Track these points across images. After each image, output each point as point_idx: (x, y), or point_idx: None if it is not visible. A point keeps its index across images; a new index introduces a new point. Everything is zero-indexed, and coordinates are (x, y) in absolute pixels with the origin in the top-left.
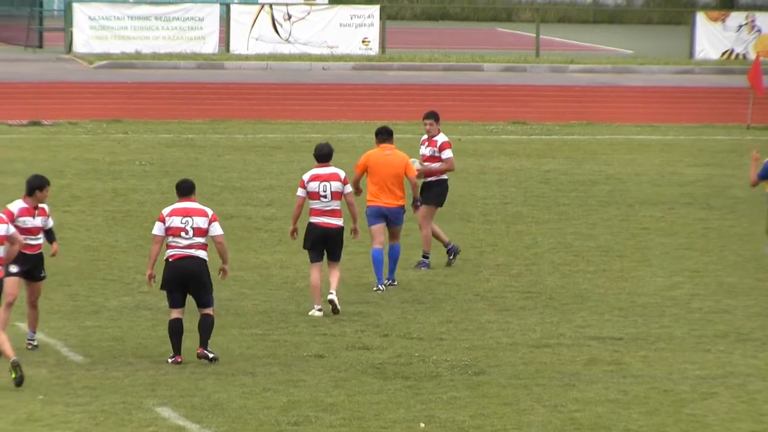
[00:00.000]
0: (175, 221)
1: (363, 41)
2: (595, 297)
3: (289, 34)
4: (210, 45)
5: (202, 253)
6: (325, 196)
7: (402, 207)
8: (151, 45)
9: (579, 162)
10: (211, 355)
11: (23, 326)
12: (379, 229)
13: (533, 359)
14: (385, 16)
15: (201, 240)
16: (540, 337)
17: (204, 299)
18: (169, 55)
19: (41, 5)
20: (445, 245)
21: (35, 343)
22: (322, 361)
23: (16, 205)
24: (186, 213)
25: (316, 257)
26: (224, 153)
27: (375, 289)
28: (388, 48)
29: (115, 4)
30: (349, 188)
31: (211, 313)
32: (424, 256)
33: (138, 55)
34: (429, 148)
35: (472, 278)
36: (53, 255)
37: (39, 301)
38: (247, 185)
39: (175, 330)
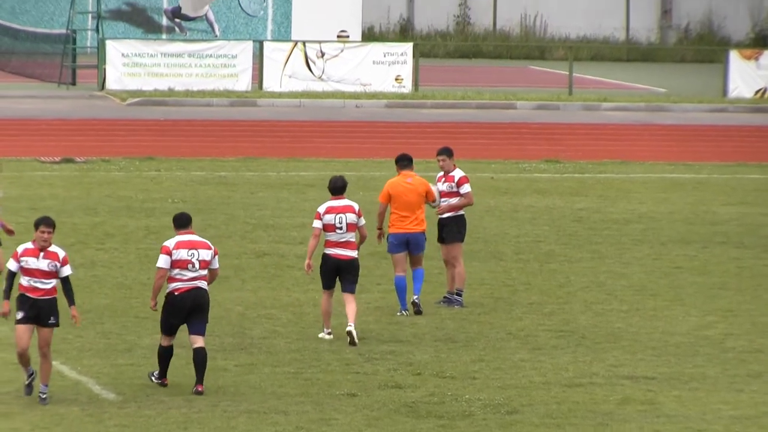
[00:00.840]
0: (182, 254)
1: (396, 79)
2: (628, 336)
3: (322, 72)
4: (243, 82)
5: (204, 284)
6: (340, 228)
7: (424, 233)
8: (184, 82)
9: (612, 200)
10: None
11: (62, 367)
12: (402, 257)
13: (566, 398)
14: (418, 54)
15: (204, 272)
16: (573, 377)
17: (202, 327)
18: (202, 93)
19: (74, 42)
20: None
21: (45, 397)
22: (355, 399)
23: (23, 246)
24: (192, 246)
25: (328, 284)
26: (257, 191)
27: (399, 313)
28: (421, 86)
29: (147, 41)
30: (363, 221)
31: (204, 345)
32: (457, 294)
33: (171, 92)
34: (446, 184)
35: (505, 317)
36: (75, 323)
37: (50, 351)
38: (280, 223)
39: (167, 355)
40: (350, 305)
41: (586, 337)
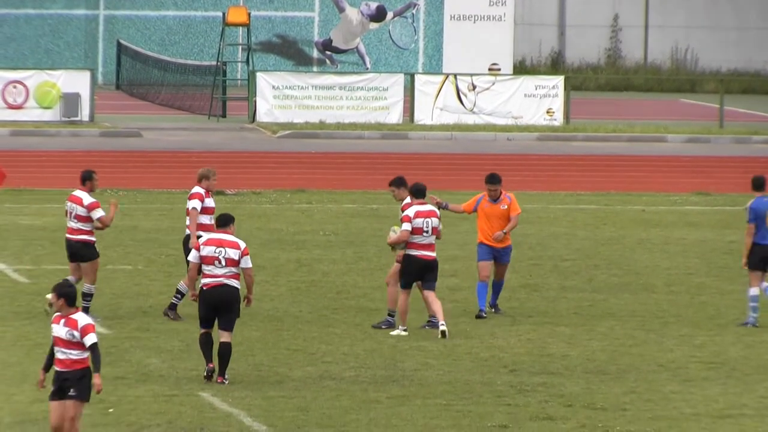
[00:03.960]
0: (209, 250)
1: (547, 111)
2: None
3: (474, 104)
4: (394, 115)
5: (233, 282)
6: (427, 232)
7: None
8: (335, 115)
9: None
10: (226, 382)
11: (213, 399)
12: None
13: (716, 429)
14: (570, 87)
15: (233, 270)
16: (723, 408)
17: (228, 323)
18: (354, 125)
19: (225, 74)
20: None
21: None
22: (507, 431)
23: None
24: (220, 244)
25: (408, 284)
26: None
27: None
28: (572, 118)
29: (298, 74)
30: (441, 225)
31: (230, 340)
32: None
33: (322, 124)
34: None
35: (656, 348)
36: (97, 391)
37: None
38: None
39: (206, 342)
40: (435, 303)
41: (737, 369)
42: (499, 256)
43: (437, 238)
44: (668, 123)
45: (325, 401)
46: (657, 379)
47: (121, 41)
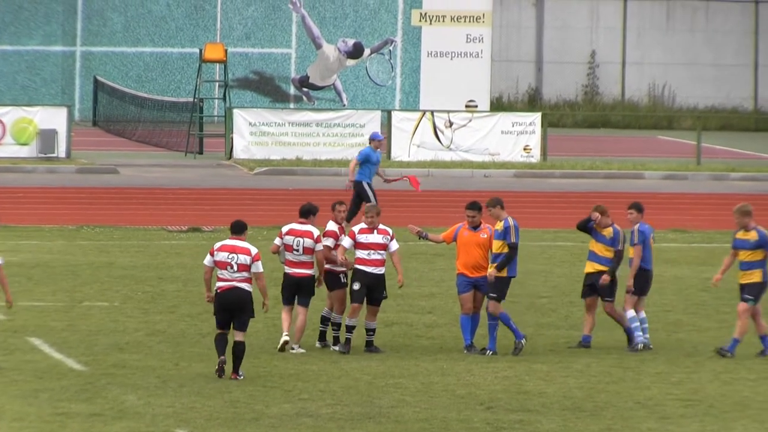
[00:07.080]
0: (222, 256)
1: (524, 148)
2: (756, 405)
3: (451, 141)
4: None
5: (245, 285)
6: (297, 250)
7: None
8: (312, 151)
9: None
10: (241, 377)
11: None
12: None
13: None
14: (547, 124)
15: (245, 274)
16: None
17: (242, 324)
18: (330, 162)
19: (201, 111)
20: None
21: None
22: None
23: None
24: (232, 250)
25: (287, 302)
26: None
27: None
28: (549, 155)
29: (275, 110)
30: (320, 246)
31: (243, 339)
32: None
33: (299, 161)
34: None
35: (633, 385)
36: None
37: None
38: (408, 292)
39: (221, 341)
40: (300, 321)
41: (714, 406)
42: (479, 285)
43: (319, 261)
44: (645, 160)
45: None
46: (634, 416)
47: (98, 77)
